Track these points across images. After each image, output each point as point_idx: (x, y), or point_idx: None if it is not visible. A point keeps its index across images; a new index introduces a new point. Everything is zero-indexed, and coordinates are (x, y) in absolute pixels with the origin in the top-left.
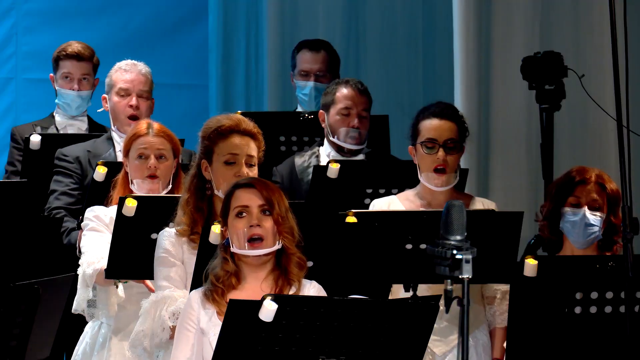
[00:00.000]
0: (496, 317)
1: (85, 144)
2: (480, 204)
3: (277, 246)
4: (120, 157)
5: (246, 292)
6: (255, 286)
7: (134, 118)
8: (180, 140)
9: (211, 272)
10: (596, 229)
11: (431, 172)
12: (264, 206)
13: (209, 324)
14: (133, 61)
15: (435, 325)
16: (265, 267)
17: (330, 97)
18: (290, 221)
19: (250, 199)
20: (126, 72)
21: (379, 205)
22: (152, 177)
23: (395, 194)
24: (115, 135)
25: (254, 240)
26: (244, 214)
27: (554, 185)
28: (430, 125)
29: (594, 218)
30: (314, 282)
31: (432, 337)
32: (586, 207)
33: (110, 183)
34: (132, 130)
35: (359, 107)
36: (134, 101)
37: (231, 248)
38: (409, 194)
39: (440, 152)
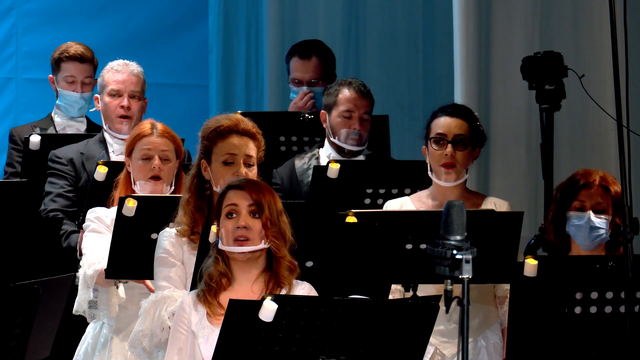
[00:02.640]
0: (507, 317)
1: (78, 146)
2: (492, 204)
3: (263, 245)
4: (113, 158)
5: (236, 293)
6: (246, 287)
7: (125, 117)
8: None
9: (205, 271)
10: (602, 231)
11: (440, 167)
12: (252, 208)
13: (198, 325)
14: (125, 61)
15: (442, 327)
16: (256, 268)
17: (333, 98)
18: (281, 224)
19: (240, 200)
20: (118, 72)
21: (391, 206)
22: (156, 178)
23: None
24: (107, 137)
25: (240, 242)
26: (233, 215)
27: (559, 189)
28: (441, 122)
29: (599, 221)
30: (304, 283)
31: (440, 339)
32: (591, 210)
33: (110, 183)
34: (136, 131)
35: (360, 110)
36: (125, 102)
37: (218, 245)
38: (421, 194)
39: (449, 148)
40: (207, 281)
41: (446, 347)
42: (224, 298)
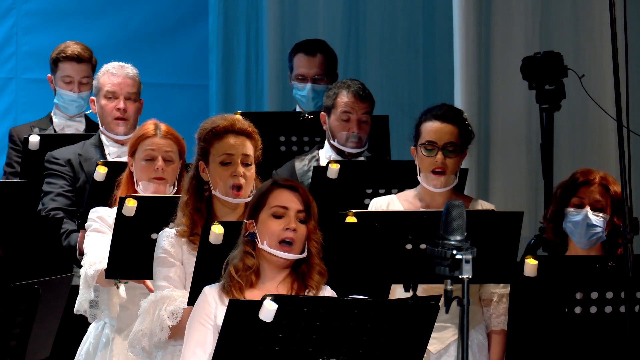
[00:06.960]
0: (492, 319)
1: (75, 147)
2: (479, 206)
3: (303, 255)
4: (110, 159)
5: (263, 291)
6: (272, 286)
7: (121, 119)
8: None
9: (231, 262)
10: (599, 229)
11: (430, 173)
12: (301, 212)
13: None
14: (120, 63)
15: None
16: (285, 269)
17: (331, 100)
18: (318, 231)
19: (291, 202)
20: (113, 75)
21: (378, 204)
22: (159, 179)
23: (395, 194)
24: (104, 139)
25: (285, 243)
26: (281, 215)
27: (559, 186)
28: (431, 128)
29: (597, 219)
30: (327, 287)
31: None
32: (588, 207)
33: (110, 183)
34: (139, 131)
35: (358, 112)
36: (121, 104)
37: (258, 244)
38: (408, 194)
39: (439, 155)
40: (232, 274)
41: (432, 344)
42: (250, 295)
